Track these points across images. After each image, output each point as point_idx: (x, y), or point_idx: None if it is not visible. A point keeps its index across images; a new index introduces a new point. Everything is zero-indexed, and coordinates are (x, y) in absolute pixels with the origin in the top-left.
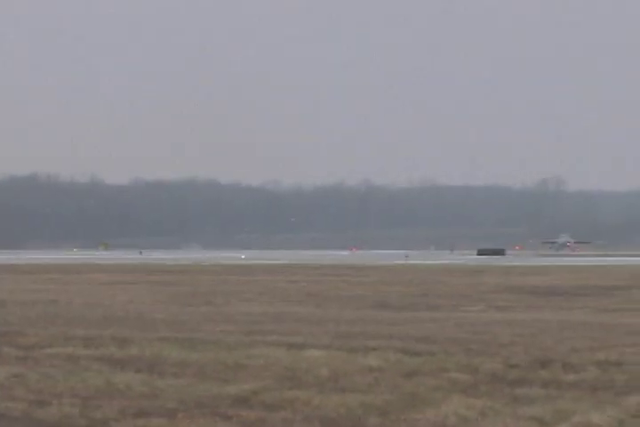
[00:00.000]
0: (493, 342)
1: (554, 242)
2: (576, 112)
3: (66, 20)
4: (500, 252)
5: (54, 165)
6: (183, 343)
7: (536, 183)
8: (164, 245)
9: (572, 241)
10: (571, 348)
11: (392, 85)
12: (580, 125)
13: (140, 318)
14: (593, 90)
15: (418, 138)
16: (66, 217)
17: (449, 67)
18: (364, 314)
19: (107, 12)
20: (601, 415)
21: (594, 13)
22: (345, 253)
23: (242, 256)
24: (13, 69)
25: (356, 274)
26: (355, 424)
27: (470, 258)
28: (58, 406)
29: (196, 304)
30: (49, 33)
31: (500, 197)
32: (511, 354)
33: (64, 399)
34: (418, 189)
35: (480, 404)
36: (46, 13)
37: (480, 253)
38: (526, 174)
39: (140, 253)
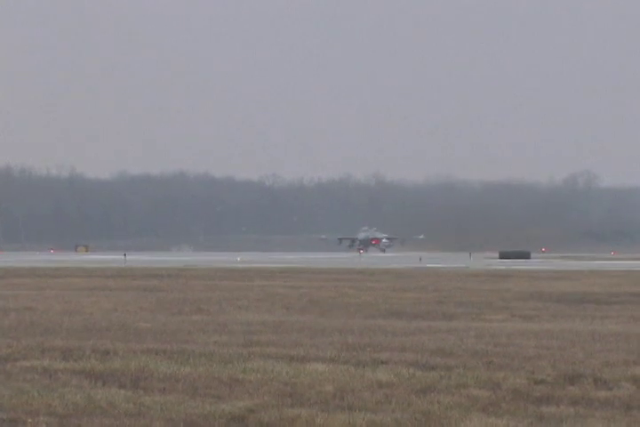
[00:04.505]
0: (517, 354)
1: (353, 239)
2: (599, 108)
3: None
4: (524, 255)
5: (29, 157)
6: (172, 356)
7: (564, 180)
8: (151, 247)
9: (383, 237)
10: (603, 362)
11: (398, 76)
12: (606, 121)
13: (124, 328)
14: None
15: (431, 130)
16: (42, 215)
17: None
18: (373, 323)
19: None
20: None
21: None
22: (353, 255)
23: (238, 259)
24: None
25: (364, 279)
26: None
27: (492, 262)
28: (33, 424)
29: (186, 312)
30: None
31: (524, 195)
32: (537, 368)
33: (40, 418)
34: (433, 185)
35: (502, 424)
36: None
37: (503, 256)
38: (553, 170)
39: (125, 255)
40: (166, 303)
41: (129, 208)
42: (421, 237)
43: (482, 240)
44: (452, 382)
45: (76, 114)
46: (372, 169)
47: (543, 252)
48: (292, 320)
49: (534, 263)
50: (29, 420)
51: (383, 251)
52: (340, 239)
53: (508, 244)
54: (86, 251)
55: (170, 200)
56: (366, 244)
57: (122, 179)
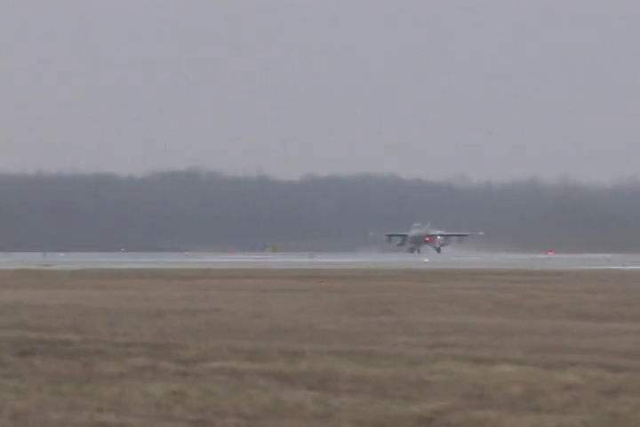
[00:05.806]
0: None
1: (403, 236)
2: None
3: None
4: None
5: (216, 158)
6: (359, 357)
7: None
8: (338, 248)
9: (437, 234)
10: None
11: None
12: None
13: (310, 330)
14: None
15: (624, 130)
16: (229, 217)
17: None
18: (560, 325)
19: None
20: None
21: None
22: (541, 256)
23: (425, 260)
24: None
25: (550, 280)
26: None
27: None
28: (221, 426)
29: (372, 314)
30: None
31: None
32: None
33: (228, 419)
34: (622, 188)
35: None
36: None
37: None
38: None
39: (311, 256)
40: (352, 305)
41: (316, 209)
42: (481, 233)
43: None
44: None
45: (261, 116)
46: (560, 171)
47: None
48: (478, 322)
49: None
50: (217, 421)
51: (438, 250)
52: (390, 236)
53: None
54: (275, 251)
55: (356, 201)
56: (418, 241)
57: (310, 180)
